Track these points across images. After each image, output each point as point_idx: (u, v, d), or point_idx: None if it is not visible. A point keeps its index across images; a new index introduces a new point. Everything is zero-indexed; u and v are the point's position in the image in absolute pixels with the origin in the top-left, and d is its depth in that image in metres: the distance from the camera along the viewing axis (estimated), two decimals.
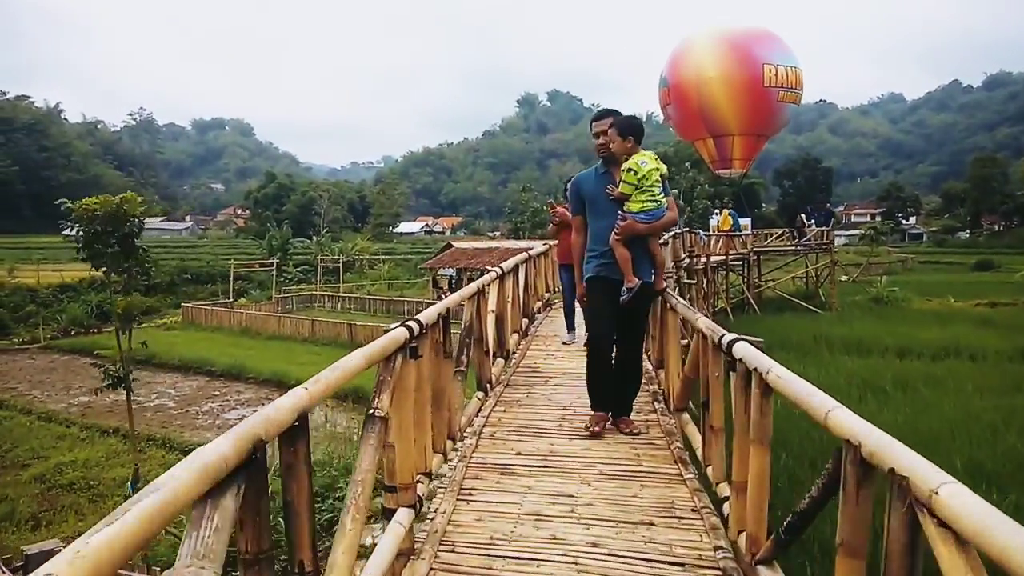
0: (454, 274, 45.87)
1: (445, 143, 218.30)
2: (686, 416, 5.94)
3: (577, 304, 7.88)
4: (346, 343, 31.55)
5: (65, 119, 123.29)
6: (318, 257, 53.36)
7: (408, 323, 3.86)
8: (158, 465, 16.61)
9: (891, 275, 48.95)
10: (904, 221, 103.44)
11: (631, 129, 5.60)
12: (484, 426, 5.75)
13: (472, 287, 6.37)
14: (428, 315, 4.32)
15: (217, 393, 25.16)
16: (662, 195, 5.67)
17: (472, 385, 6.43)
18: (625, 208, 5.58)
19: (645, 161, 5.53)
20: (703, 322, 4.85)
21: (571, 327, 9.55)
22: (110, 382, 15.71)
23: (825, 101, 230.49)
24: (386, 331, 3.71)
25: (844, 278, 40.13)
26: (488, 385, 6.63)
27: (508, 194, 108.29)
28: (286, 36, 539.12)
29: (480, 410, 6.15)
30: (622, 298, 5.59)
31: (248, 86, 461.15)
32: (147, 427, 20.59)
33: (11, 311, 42.10)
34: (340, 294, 44.93)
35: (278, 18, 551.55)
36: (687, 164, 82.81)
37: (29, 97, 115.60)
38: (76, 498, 15.56)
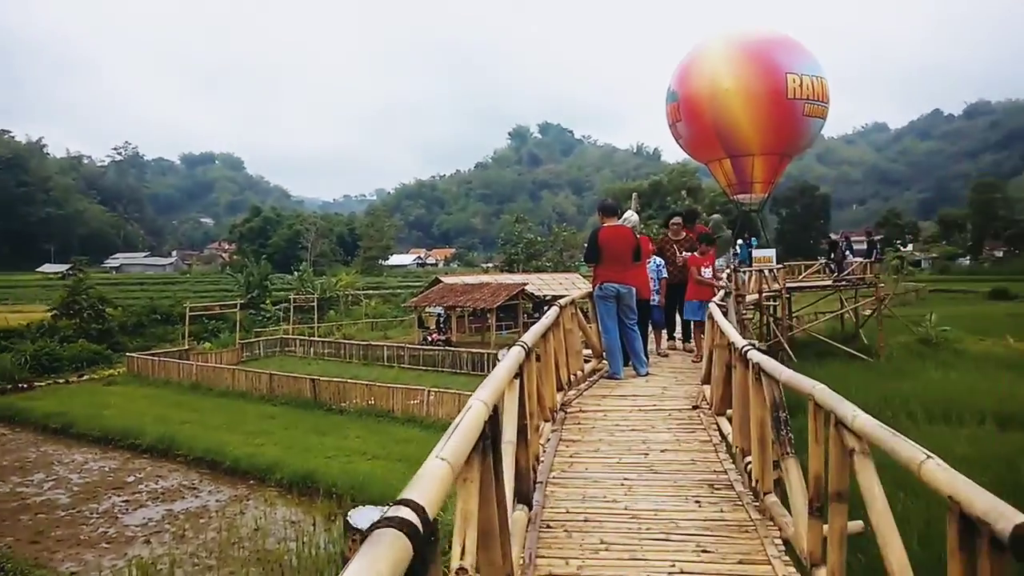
0: (442, 312, 40.37)
1: (438, 175, 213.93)
2: None
3: None
4: (308, 401, 26.00)
5: (48, 154, 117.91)
6: (291, 296, 47.55)
7: None
8: None
9: (906, 306, 43.67)
10: (901, 248, 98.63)
11: None
12: None
13: None
14: None
15: (131, 479, 19.33)
16: None
17: None
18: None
19: None
20: None
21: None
22: None
23: None
24: None
25: (868, 312, 34.48)
26: None
27: (502, 225, 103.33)
28: (278, 70, 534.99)
29: None
30: None
31: (238, 120, 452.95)
32: (15, 541, 14.83)
33: None
34: (312, 338, 39.09)
35: (269, 52, 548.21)
36: (683, 192, 78.40)
37: (9, 132, 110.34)
38: None
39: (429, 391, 23.39)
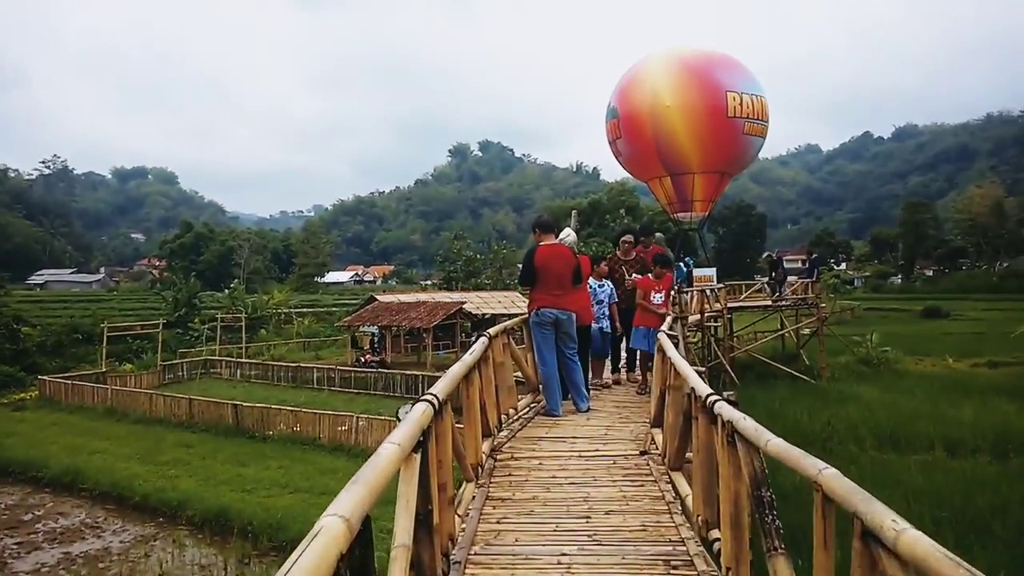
0: (377, 332, 39.04)
1: (377, 191, 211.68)
2: None
3: None
4: (230, 428, 24.47)
5: None
6: (218, 315, 45.58)
7: None
8: None
9: (842, 324, 43.94)
10: (835, 266, 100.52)
11: None
12: None
13: None
14: None
15: (28, 517, 17.62)
16: None
17: None
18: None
19: None
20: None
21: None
22: None
23: None
24: None
25: (807, 332, 34.26)
26: None
27: (441, 242, 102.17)
28: (215, 84, 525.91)
29: None
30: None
31: (173, 134, 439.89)
32: None
33: None
34: (239, 360, 37.24)
35: (206, 66, 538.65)
36: (622, 211, 78.16)
37: None
38: None
39: (358, 417, 22.12)
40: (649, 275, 9.38)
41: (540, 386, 8.16)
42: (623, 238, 10.46)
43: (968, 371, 27.25)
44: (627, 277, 9.77)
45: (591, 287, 9.19)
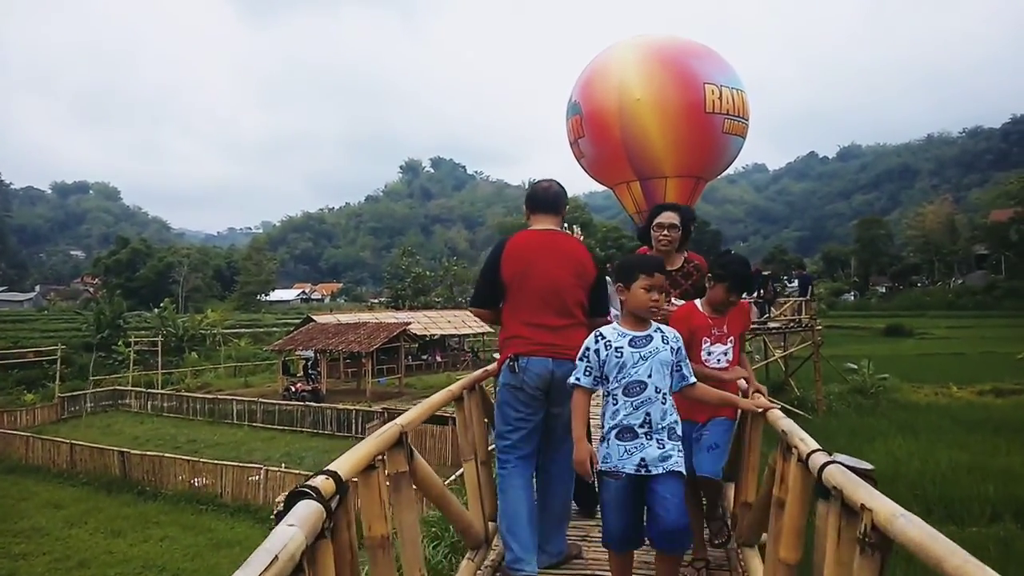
0: (313, 356, 34.33)
1: (326, 208, 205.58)
2: None
3: None
4: (116, 480, 19.70)
5: None
6: (132, 339, 40.29)
7: None
8: None
9: (807, 344, 40.44)
10: (788, 284, 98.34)
11: None
12: None
13: None
14: None
15: None
16: None
17: None
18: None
19: None
20: None
21: None
22: None
23: None
24: None
25: (799, 357, 30.38)
26: None
27: (392, 259, 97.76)
28: (161, 98, 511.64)
29: None
30: None
31: (116, 149, 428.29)
32: None
33: None
34: (150, 391, 31.98)
35: (152, 79, 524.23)
36: (575, 227, 74.66)
37: None
38: None
39: (268, 469, 17.53)
40: (696, 302, 3.90)
41: (498, 523, 3.84)
42: (660, 218, 4.41)
43: (977, 401, 23.64)
44: (668, 305, 3.84)
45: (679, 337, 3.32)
